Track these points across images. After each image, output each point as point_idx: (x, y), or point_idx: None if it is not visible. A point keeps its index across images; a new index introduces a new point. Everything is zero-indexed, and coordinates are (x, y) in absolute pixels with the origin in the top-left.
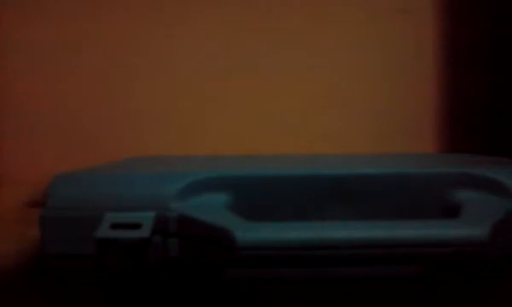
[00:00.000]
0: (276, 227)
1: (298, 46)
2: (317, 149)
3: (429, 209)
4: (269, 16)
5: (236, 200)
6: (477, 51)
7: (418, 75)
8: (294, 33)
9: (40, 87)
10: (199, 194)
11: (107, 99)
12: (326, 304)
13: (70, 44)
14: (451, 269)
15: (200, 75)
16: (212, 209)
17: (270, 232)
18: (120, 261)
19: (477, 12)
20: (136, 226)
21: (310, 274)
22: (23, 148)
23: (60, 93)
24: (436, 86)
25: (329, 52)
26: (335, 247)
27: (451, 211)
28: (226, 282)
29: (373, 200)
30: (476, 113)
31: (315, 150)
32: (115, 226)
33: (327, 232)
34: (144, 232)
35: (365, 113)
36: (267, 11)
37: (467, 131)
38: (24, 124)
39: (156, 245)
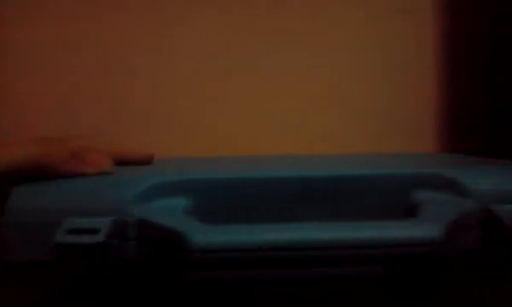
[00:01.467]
0: (230, 230)
1: (298, 46)
2: (317, 149)
3: (391, 209)
4: (269, 16)
5: (196, 204)
6: (477, 51)
7: (418, 75)
8: (294, 33)
9: (40, 87)
10: (159, 198)
11: (107, 99)
12: (284, 305)
13: (70, 44)
14: (408, 269)
15: (200, 75)
16: (171, 213)
17: (223, 235)
18: (79, 265)
19: (477, 12)
20: (94, 231)
21: (264, 275)
22: None
23: (60, 93)
24: (436, 86)
25: (329, 52)
26: (288, 249)
27: (412, 211)
28: (184, 284)
29: (335, 202)
30: (476, 113)
31: (315, 150)
32: (73, 231)
33: (279, 234)
34: (100, 236)
35: (365, 113)
36: (267, 11)
37: (467, 131)
38: (24, 124)
39: (114, 249)
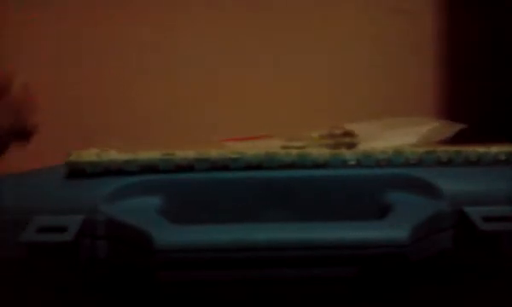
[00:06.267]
0: (197, 230)
1: (298, 45)
2: None
3: (362, 211)
4: (269, 16)
5: (170, 204)
6: (477, 52)
7: (418, 75)
8: (294, 33)
9: (40, 87)
10: (131, 197)
11: (108, 99)
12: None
13: (70, 44)
14: (379, 271)
15: (200, 75)
16: (141, 212)
17: (189, 235)
18: (49, 264)
19: (477, 13)
20: (62, 229)
21: (233, 276)
22: (23, 148)
23: (60, 93)
24: (436, 87)
25: (329, 52)
26: (257, 250)
27: (382, 213)
28: (153, 284)
29: (307, 203)
30: (476, 115)
31: None
32: (41, 229)
33: (248, 235)
34: (69, 235)
35: (365, 114)
36: (267, 11)
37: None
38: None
39: (84, 247)
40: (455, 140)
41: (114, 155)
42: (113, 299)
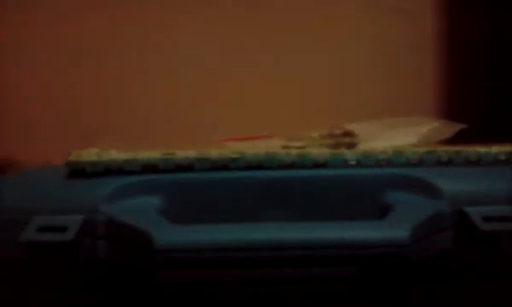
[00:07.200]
0: (197, 229)
1: (298, 45)
2: None
3: (362, 211)
4: (269, 16)
5: (170, 204)
6: (477, 52)
7: (418, 75)
8: (294, 33)
9: (40, 87)
10: (131, 197)
11: (108, 99)
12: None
13: (70, 44)
14: (379, 271)
15: (199, 75)
16: (141, 212)
17: (188, 234)
18: (49, 264)
19: (477, 13)
20: (62, 229)
21: (232, 276)
22: (23, 149)
23: (60, 93)
24: (436, 87)
25: (329, 52)
26: (257, 249)
27: (383, 213)
28: (153, 284)
29: (307, 203)
30: (476, 116)
31: None
32: (41, 229)
33: (247, 234)
34: (69, 235)
35: (365, 114)
36: (267, 11)
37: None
38: (24, 124)
39: (84, 247)
40: (455, 140)
41: (114, 155)
42: (113, 299)
